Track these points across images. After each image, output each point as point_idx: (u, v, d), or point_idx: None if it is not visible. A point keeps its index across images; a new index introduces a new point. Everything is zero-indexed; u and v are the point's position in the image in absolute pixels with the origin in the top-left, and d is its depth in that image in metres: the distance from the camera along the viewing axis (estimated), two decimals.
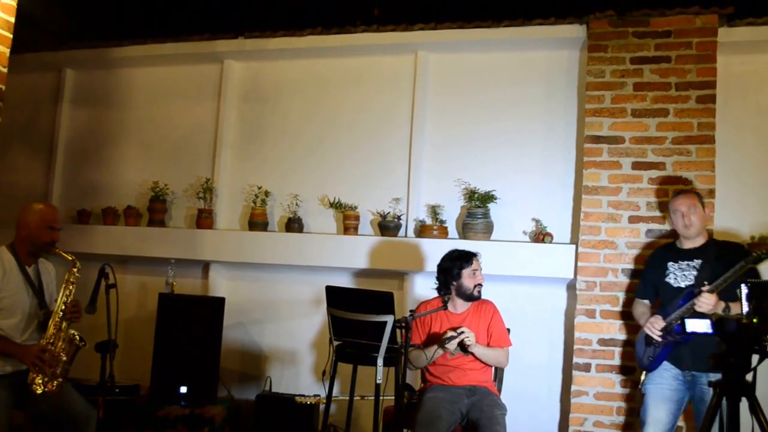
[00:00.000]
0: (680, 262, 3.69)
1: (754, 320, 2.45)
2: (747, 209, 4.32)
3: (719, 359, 2.54)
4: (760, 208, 4.31)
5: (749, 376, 2.52)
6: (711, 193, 4.14)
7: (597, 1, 4.47)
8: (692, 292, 3.50)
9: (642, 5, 4.36)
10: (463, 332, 3.59)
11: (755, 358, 2.50)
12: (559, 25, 4.60)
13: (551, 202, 4.67)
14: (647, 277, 3.88)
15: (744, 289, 2.51)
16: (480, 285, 3.80)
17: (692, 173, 4.18)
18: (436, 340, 3.70)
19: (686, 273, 3.65)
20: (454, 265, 3.80)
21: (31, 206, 3.59)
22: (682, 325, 2.75)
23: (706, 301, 3.36)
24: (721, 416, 2.55)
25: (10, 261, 3.46)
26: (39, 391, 3.34)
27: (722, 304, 3.39)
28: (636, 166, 4.28)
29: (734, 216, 4.30)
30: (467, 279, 3.77)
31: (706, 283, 3.44)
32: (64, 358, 3.44)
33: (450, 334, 3.60)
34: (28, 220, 3.52)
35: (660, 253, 3.90)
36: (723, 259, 3.56)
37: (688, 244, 3.74)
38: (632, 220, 4.24)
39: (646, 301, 3.87)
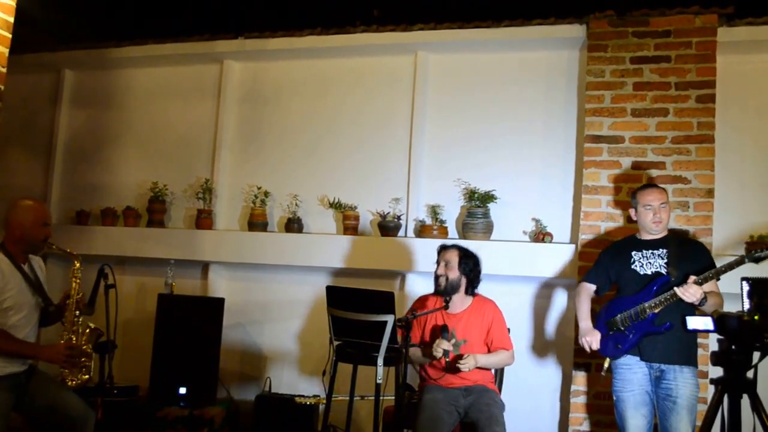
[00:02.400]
0: (644, 251, 3.63)
1: (755, 317, 2.45)
2: (746, 208, 4.32)
3: (721, 356, 2.54)
4: (759, 207, 4.31)
5: (750, 373, 2.52)
6: (710, 192, 4.15)
7: (597, 1, 4.48)
8: (665, 279, 3.47)
9: (642, 5, 4.37)
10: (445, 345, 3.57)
11: (756, 355, 2.50)
12: (558, 25, 4.60)
13: (551, 202, 4.67)
14: (605, 264, 3.77)
15: (745, 286, 2.51)
16: (439, 276, 3.76)
17: (692, 172, 4.18)
18: (433, 340, 3.69)
19: (651, 261, 3.59)
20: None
21: (21, 205, 3.51)
22: (683, 322, 2.74)
23: (694, 292, 3.31)
24: (723, 413, 2.55)
25: (5, 261, 3.41)
26: (73, 385, 3.40)
27: (702, 295, 3.34)
28: (636, 165, 4.28)
29: (733, 215, 4.30)
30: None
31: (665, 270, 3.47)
32: (90, 350, 3.46)
33: (440, 348, 3.56)
34: (21, 219, 3.46)
35: (620, 243, 3.83)
36: (687, 249, 3.59)
37: (649, 237, 3.68)
38: (632, 219, 4.22)
39: (593, 287, 3.77)
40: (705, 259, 3.55)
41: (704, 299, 3.34)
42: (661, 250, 3.60)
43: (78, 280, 3.55)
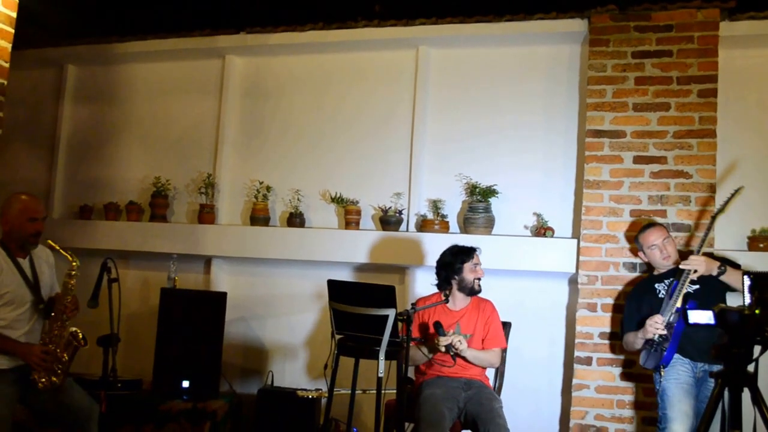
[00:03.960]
0: (665, 280, 3.74)
1: (757, 311, 2.44)
2: (747, 202, 4.30)
3: (721, 350, 2.54)
4: (761, 201, 4.31)
5: (751, 367, 2.52)
6: (712, 187, 4.15)
7: None
8: (674, 285, 3.56)
9: None
10: (454, 337, 3.61)
11: (757, 349, 2.50)
12: (560, 19, 4.60)
13: (552, 197, 4.68)
14: (634, 308, 3.84)
15: (746, 281, 2.51)
16: (480, 279, 3.83)
17: (693, 167, 4.18)
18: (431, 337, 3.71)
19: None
20: (455, 259, 3.83)
21: (11, 199, 3.49)
22: (684, 316, 2.75)
23: (695, 259, 3.45)
24: (723, 407, 2.56)
25: (3, 256, 3.42)
26: (41, 386, 3.36)
27: (716, 264, 3.47)
28: (637, 160, 4.28)
29: (735, 209, 4.28)
30: (468, 273, 3.80)
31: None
32: (65, 358, 3.43)
33: (443, 340, 3.59)
34: (9, 215, 3.45)
35: (641, 284, 3.96)
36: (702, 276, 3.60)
37: (665, 269, 3.81)
38: (634, 213, 4.25)
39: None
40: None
41: (722, 268, 3.47)
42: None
43: (71, 285, 3.49)
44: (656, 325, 3.57)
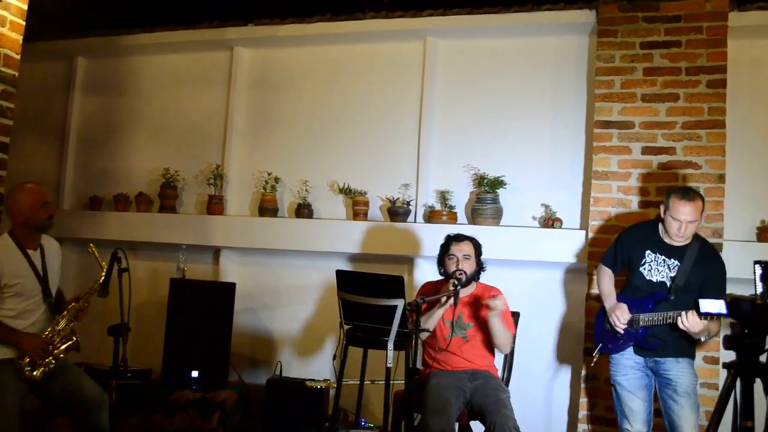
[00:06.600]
0: (658, 255, 3.52)
1: None
2: (756, 194, 4.30)
3: (733, 340, 2.53)
4: None
5: (763, 357, 2.51)
6: (721, 178, 4.13)
7: None
8: (663, 296, 3.45)
9: None
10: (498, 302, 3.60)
11: None
12: (568, 10, 4.59)
13: (561, 188, 4.67)
14: (622, 251, 3.67)
15: (758, 270, 2.49)
16: (458, 271, 3.73)
17: (702, 158, 4.17)
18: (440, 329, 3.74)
19: (660, 269, 3.52)
20: (440, 250, 3.88)
21: (19, 189, 3.48)
22: (696, 306, 2.72)
23: (693, 323, 3.25)
24: (735, 398, 2.55)
25: (13, 248, 3.42)
26: (26, 375, 3.31)
27: (704, 326, 3.29)
28: (646, 151, 4.26)
29: (744, 201, 4.28)
30: (447, 264, 3.81)
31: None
32: (62, 356, 3.42)
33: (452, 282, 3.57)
34: (20, 205, 3.43)
35: (642, 232, 3.65)
36: (700, 269, 3.45)
37: (669, 240, 3.52)
38: (642, 205, 4.24)
39: (611, 272, 3.73)
40: (716, 281, 3.44)
41: (707, 332, 3.32)
42: (673, 260, 3.49)
43: (91, 295, 3.50)
44: (619, 323, 3.52)
